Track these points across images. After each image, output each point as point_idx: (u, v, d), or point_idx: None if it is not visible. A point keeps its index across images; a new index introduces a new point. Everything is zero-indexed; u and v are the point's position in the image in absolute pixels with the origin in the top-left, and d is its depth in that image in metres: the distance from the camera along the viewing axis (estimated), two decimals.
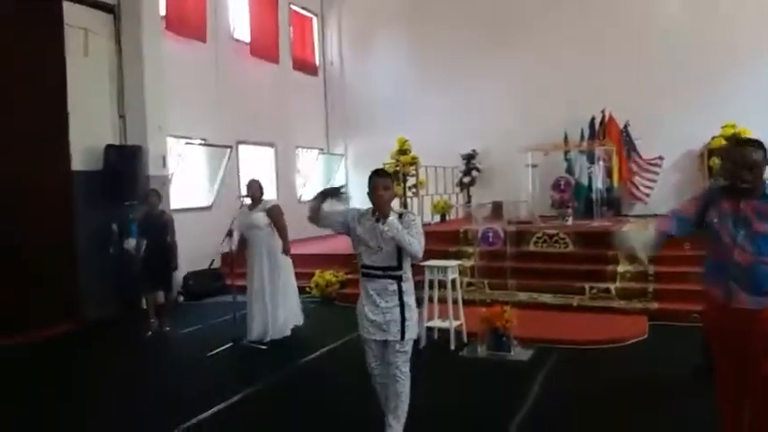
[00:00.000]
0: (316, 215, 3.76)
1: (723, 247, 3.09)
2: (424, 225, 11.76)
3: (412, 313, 3.71)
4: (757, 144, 3.08)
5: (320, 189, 3.94)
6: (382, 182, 3.62)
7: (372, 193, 3.61)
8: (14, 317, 6.96)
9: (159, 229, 7.17)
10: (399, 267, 3.65)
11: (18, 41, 7.43)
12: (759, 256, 2.98)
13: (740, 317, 3.01)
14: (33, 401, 5.18)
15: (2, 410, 4.91)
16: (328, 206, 3.79)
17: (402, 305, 3.65)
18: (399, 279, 3.66)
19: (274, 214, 6.58)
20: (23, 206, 7.30)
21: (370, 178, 3.63)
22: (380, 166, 11.04)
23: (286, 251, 6.60)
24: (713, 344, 3.26)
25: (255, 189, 6.69)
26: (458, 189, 13.82)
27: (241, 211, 6.77)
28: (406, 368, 3.73)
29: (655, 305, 7.47)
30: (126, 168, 8.59)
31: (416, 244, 3.53)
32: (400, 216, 3.60)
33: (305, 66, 14.62)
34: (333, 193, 3.83)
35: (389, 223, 3.48)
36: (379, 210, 3.55)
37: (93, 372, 5.99)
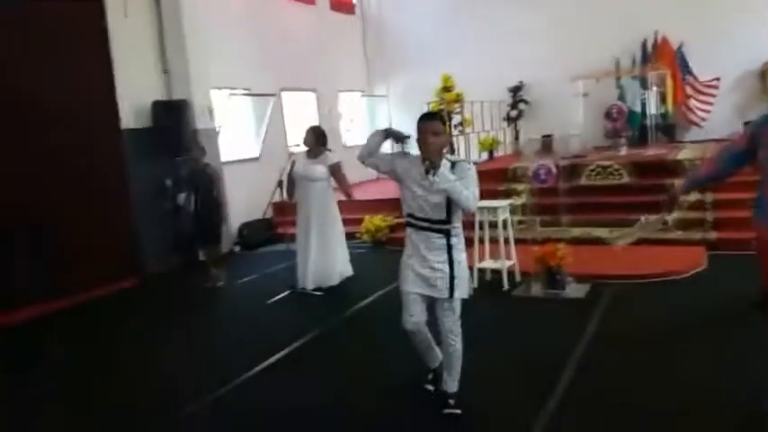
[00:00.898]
0: (371, 152, 3.55)
1: None
2: (473, 163, 11.67)
3: (462, 271, 3.46)
4: None
5: (385, 128, 3.70)
6: (432, 126, 3.30)
7: (421, 140, 3.31)
8: (78, 275, 7.29)
9: (204, 182, 7.25)
10: (449, 221, 3.38)
11: (60, 10, 7.47)
12: None
13: None
14: (99, 355, 5.47)
15: (72, 364, 5.23)
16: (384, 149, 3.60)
17: (451, 261, 3.40)
18: (448, 233, 3.40)
19: (336, 171, 6.53)
20: (79, 169, 7.53)
21: (419, 122, 3.34)
22: (424, 106, 11.09)
23: (349, 195, 6.64)
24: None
25: (316, 136, 6.57)
26: (505, 124, 13.52)
27: (298, 157, 6.67)
28: (457, 328, 3.54)
29: (714, 235, 7.26)
30: (174, 123, 8.69)
31: (471, 197, 3.26)
32: (453, 165, 3.33)
33: (342, 5, 14.32)
34: (397, 136, 3.57)
35: (440, 174, 3.19)
36: (429, 158, 3.22)
37: (153, 326, 6.23)
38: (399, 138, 3.56)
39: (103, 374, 4.96)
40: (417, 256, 3.45)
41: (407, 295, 3.52)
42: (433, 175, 3.20)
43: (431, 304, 3.56)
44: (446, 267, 3.40)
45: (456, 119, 11.41)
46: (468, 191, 3.27)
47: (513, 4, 12.96)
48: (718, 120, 11.29)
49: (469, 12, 13.48)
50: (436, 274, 3.41)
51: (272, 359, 4.85)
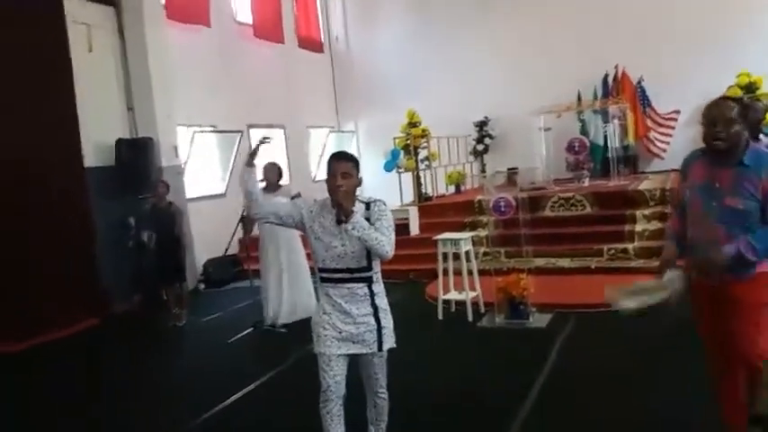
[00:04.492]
0: (254, 197, 3.11)
1: (693, 219, 2.85)
2: (439, 197, 11.88)
3: (388, 320, 3.14)
4: (735, 100, 2.82)
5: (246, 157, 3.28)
6: (342, 167, 2.94)
7: (330, 182, 2.95)
8: (41, 316, 7.12)
9: (167, 220, 7.20)
10: (370, 267, 3.05)
11: (22, 41, 7.45)
12: (728, 233, 2.70)
13: (714, 292, 2.82)
14: (65, 396, 5.31)
15: (37, 405, 5.06)
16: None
17: (376, 310, 3.07)
18: (370, 281, 3.07)
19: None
20: (41, 207, 7.42)
21: (328, 162, 3.00)
22: (391, 142, 11.21)
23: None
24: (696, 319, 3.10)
25: (274, 173, 6.59)
26: (472, 158, 13.71)
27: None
28: (385, 382, 3.24)
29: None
30: (138, 161, 8.65)
31: (387, 244, 2.95)
32: (367, 206, 3.04)
33: (310, 43, 14.51)
34: (256, 149, 3.27)
35: (353, 222, 2.89)
36: (340, 203, 2.90)
37: (117, 365, 6.10)
38: (254, 151, 3.27)
39: (63, 416, 4.81)
40: (338, 313, 3.06)
41: (328, 358, 3.08)
42: (346, 222, 2.90)
43: (351, 363, 3.18)
44: (371, 319, 3.07)
45: (422, 153, 11.54)
46: (385, 237, 2.96)
47: (478, 42, 13.27)
48: (678, 151, 11.52)
49: (436, 49, 13.77)
50: (361, 329, 3.06)
51: (230, 400, 4.75)
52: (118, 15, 9.22)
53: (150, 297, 8.47)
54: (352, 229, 2.89)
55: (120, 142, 8.74)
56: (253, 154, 3.25)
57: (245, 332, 6.61)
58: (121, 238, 8.55)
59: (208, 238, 9.17)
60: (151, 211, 7.45)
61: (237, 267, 9.63)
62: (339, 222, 2.92)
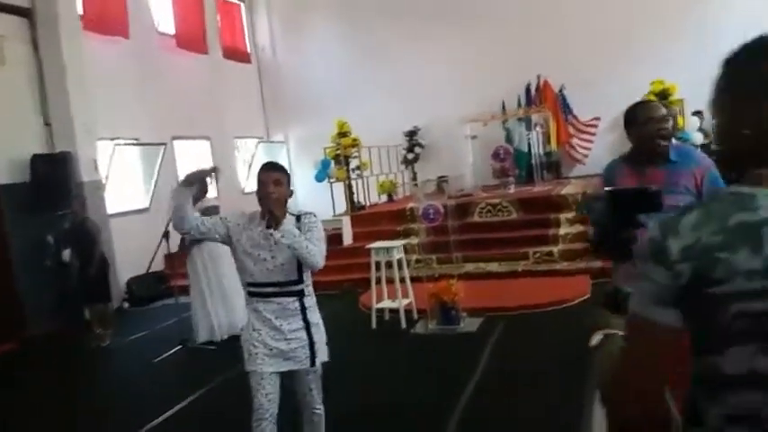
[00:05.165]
0: (183, 216, 2.91)
1: None
2: (372, 206, 11.93)
3: (321, 334, 3.08)
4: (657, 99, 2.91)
5: (185, 175, 3.10)
6: (273, 176, 2.92)
7: (261, 191, 2.90)
8: None
9: (85, 237, 6.93)
10: (301, 280, 2.98)
11: None
12: None
13: None
14: None
15: None
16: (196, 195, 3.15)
17: (308, 325, 3.00)
18: (302, 294, 3.00)
19: (212, 213, 6.38)
20: None
21: (259, 172, 2.97)
22: (321, 152, 11.18)
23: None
24: None
25: (202, 185, 6.46)
26: (403, 167, 13.85)
27: None
28: (320, 397, 3.15)
29: (597, 264, 7.66)
30: (55, 177, 8.28)
31: (318, 254, 2.90)
32: (298, 219, 2.98)
33: (236, 54, 14.32)
34: (202, 176, 3.13)
35: (284, 230, 2.83)
36: (271, 211, 2.85)
37: (35, 390, 5.79)
38: (206, 175, 3.14)
39: None
40: (268, 329, 2.97)
41: (260, 376, 2.97)
42: (275, 229, 2.83)
43: (285, 381, 3.10)
44: (303, 334, 2.99)
45: (353, 163, 11.57)
46: (316, 247, 2.90)
47: (406, 53, 13.44)
48: (599, 156, 11.99)
49: (365, 60, 13.86)
50: (292, 345, 2.98)
51: (156, 421, 4.58)
52: (32, 27, 8.80)
53: (72, 318, 8.10)
54: (282, 236, 2.82)
55: (35, 158, 8.33)
56: (194, 178, 3.03)
57: (173, 351, 6.40)
58: (40, 258, 8.14)
59: (132, 255, 8.85)
60: (69, 228, 7.14)
61: (164, 284, 9.33)
62: (269, 227, 2.84)
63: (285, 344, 2.97)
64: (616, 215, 2.03)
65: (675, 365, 1.14)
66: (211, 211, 6.29)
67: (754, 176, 1.10)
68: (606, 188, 2.31)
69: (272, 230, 2.84)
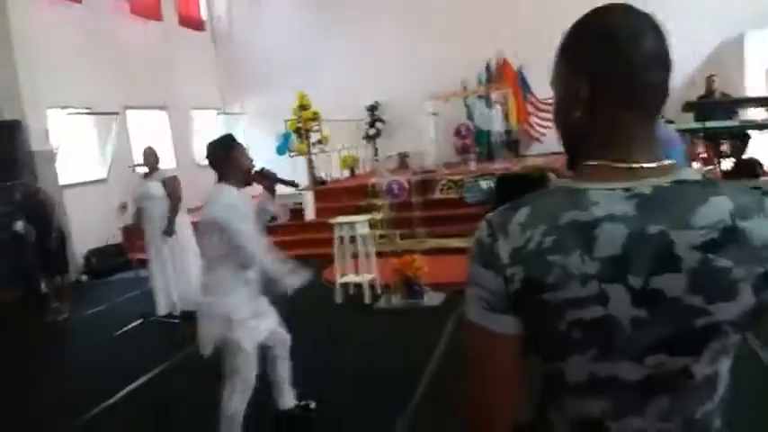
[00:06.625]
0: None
1: None
2: (334, 181, 11.85)
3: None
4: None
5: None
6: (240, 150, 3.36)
7: (240, 162, 3.28)
8: None
9: (37, 209, 6.74)
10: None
11: None
12: None
13: None
14: None
15: None
16: None
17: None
18: None
19: (170, 185, 6.28)
20: None
21: (237, 144, 3.36)
22: (282, 125, 11.02)
23: (167, 232, 6.12)
24: None
25: (149, 157, 6.39)
26: (364, 142, 13.78)
27: (139, 182, 6.46)
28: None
29: None
30: (4, 146, 7.97)
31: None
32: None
33: (191, 21, 13.93)
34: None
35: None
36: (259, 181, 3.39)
37: None
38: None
39: None
40: (255, 304, 3.27)
41: (252, 351, 3.16)
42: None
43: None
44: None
45: (314, 137, 11.45)
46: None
47: (367, 26, 13.30)
48: (556, 135, 12.26)
49: (325, 31, 13.63)
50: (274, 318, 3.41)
51: (115, 397, 4.52)
52: None
53: (28, 290, 7.87)
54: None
55: None
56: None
57: (133, 324, 6.30)
58: None
59: (89, 227, 8.62)
60: (21, 199, 6.89)
61: (123, 257, 9.13)
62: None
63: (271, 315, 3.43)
64: (500, 199, 2.12)
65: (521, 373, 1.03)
66: (170, 181, 6.20)
67: (586, 169, 1.00)
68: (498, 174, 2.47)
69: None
